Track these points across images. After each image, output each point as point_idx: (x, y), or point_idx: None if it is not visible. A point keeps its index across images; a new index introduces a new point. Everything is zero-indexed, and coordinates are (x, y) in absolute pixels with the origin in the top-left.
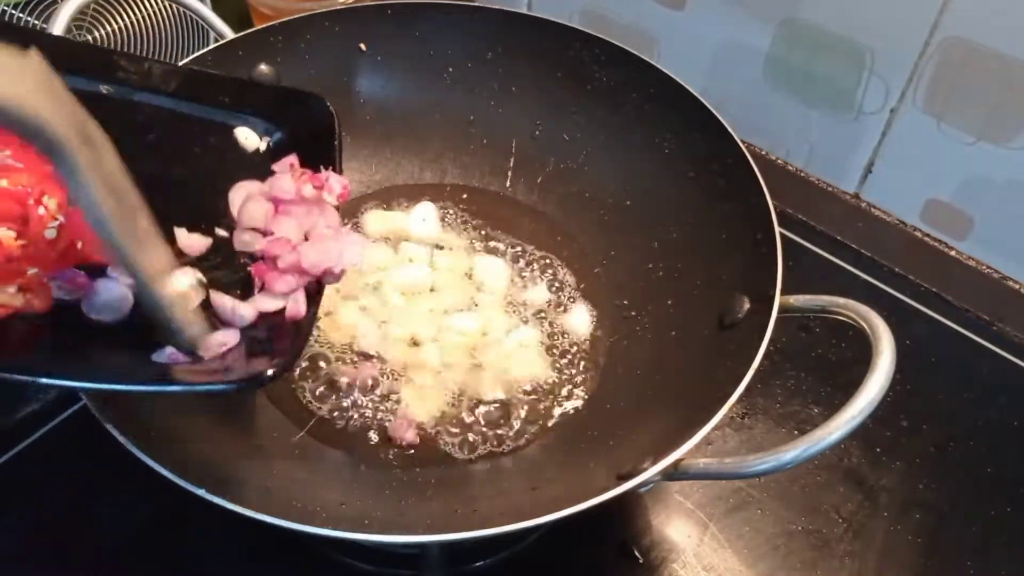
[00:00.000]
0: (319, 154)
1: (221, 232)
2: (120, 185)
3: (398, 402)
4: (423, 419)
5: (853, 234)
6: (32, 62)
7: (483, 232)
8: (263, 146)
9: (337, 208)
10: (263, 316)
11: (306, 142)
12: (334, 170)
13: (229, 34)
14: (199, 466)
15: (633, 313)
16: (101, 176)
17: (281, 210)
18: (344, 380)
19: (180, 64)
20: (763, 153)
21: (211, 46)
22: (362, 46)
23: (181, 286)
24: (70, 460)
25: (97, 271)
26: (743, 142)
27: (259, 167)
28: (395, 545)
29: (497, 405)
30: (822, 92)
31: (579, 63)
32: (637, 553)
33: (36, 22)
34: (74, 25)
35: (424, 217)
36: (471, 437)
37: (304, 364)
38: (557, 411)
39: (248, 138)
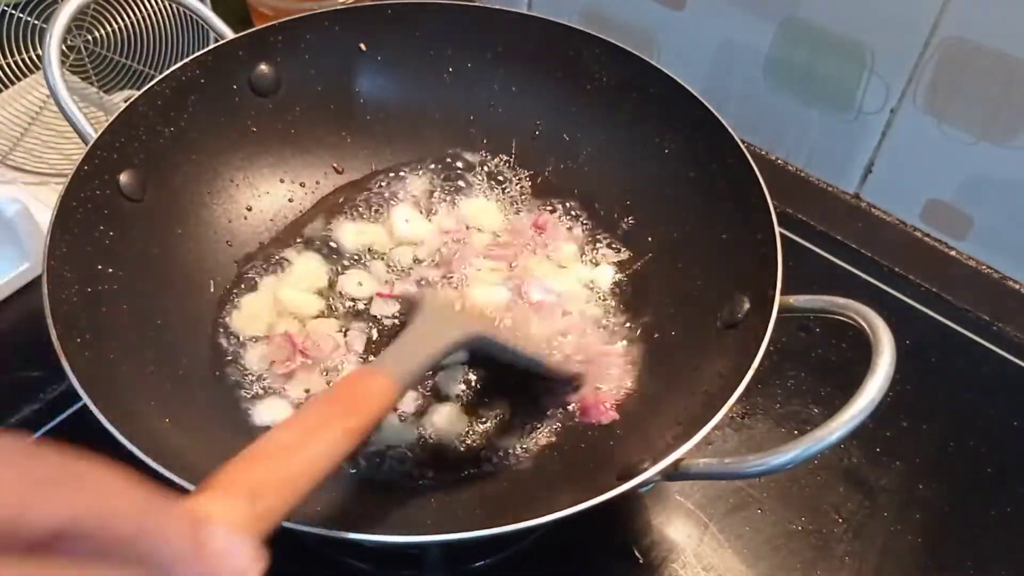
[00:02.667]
0: None
1: None
2: None
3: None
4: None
5: (853, 234)
6: None
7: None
8: None
9: None
10: None
11: None
12: None
13: (229, 34)
14: (200, 467)
15: (633, 313)
16: None
17: None
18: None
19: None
20: (763, 153)
21: (211, 46)
22: (362, 46)
23: None
24: None
25: None
26: (743, 142)
27: None
28: (395, 545)
29: (497, 406)
30: (822, 92)
31: (579, 63)
32: (637, 553)
33: (36, 22)
34: (74, 25)
35: (407, 218)
36: (471, 437)
37: (306, 364)
38: (557, 411)
39: None
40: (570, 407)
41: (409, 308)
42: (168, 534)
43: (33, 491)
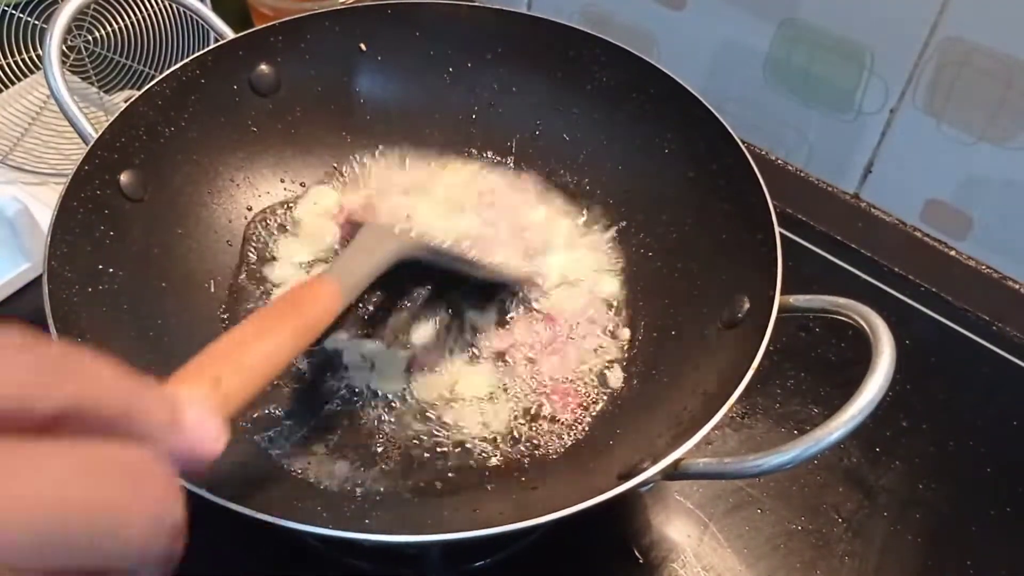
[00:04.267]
0: None
1: None
2: None
3: (400, 401)
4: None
5: (853, 234)
6: None
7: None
8: None
9: None
10: None
11: None
12: None
13: (229, 34)
14: None
15: (633, 313)
16: None
17: None
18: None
19: None
20: (763, 153)
21: (211, 46)
22: (362, 46)
23: None
24: None
25: None
26: (743, 142)
27: None
28: (395, 545)
29: (496, 405)
30: (822, 92)
31: (579, 63)
32: (637, 553)
33: (37, 22)
34: (74, 25)
35: (315, 200)
36: (470, 437)
37: (301, 369)
38: (556, 411)
39: None
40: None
41: (352, 230)
42: (152, 411)
43: (38, 378)
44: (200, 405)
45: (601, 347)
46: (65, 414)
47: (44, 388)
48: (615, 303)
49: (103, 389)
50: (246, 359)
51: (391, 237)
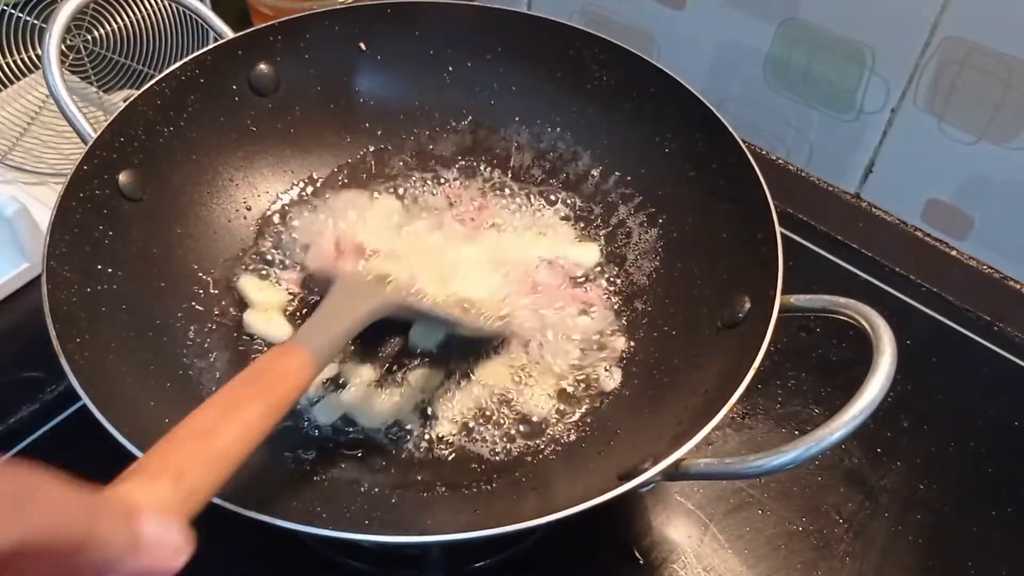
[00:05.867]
0: None
1: None
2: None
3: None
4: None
5: (853, 234)
6: None
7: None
8: None
9: None
10: None
11: None
12: None
13: (229, 34)
14: None
15: (632, 313)
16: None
17: None
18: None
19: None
20: (763, 153)
21: (211, 46)
22: (362, 46)
23: None
24: (70, 460)
25: None
26: (743, 142)
27: None
28: (395, 545)
29: (496, 405)
30: (822, 92)
31: (579, 63)
32: (637, 553)
33: (36, 22)
34: (74, 25)
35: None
36: (470, 438)
37: None
38: (557, 412)
39: None
40: None
41: (323, 285)
42: (109, 534)
43: None
44: (160, 516)
45: (601, 347)
46: (17, 553)
47: None
48: (615, 303)
49: (56, 519)
50: (210, 448)
51: (367, 294)
